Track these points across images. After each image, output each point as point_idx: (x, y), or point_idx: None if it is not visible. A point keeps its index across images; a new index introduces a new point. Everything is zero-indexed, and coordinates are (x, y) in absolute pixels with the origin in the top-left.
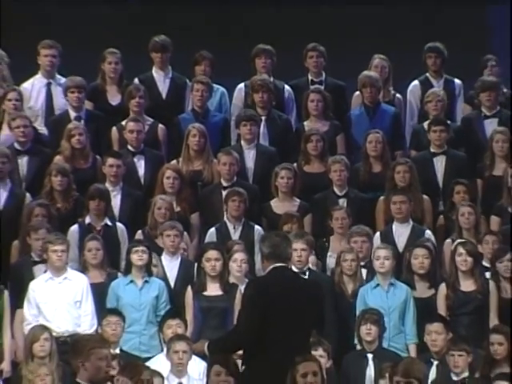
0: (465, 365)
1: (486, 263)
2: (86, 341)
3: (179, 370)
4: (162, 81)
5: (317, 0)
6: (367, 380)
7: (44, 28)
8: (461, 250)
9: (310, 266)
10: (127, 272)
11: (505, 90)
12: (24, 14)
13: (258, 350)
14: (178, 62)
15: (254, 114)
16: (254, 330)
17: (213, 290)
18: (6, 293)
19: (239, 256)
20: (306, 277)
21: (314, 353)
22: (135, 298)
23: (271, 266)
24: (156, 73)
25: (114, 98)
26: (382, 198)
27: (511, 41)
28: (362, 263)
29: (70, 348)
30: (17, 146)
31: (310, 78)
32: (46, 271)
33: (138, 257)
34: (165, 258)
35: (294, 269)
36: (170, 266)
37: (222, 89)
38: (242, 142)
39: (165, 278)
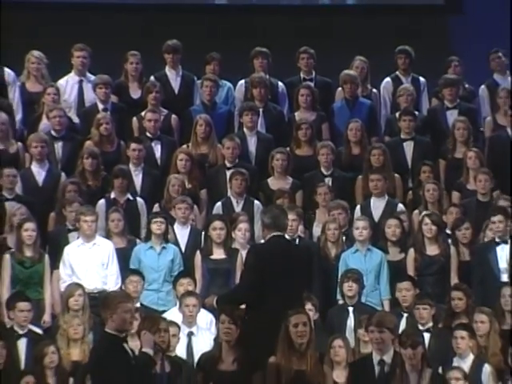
0: (429, 317)
1: (447, 231)
2: (113, 297)
3: (189, 321)
4: (174, 78)
5: (308, 10)
6: (348, 329)
7: (77, 33)
8: (427, 220)
9: (300, 233)
10: (147, 239)
11: (466, 86)
12: (60, 21)
13: (258, 304)
14: (188, 61)
15: (255, 105)
16: (253, 288)
17: (218, 254)
18: (46, 256)
19: (243, 226)
20: (297, 243)
21: None
22: (154, 261)
23: (270, 235)
24: (169, 71)
25: (135, 92)
26: (360, 176)
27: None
28: (343, 231)
29: (101, 302)
30: (53, 133)
31: (302, 76)
32: (78, 238)
33: (157, 226)
34: (176, 227)
35: (286, 236)
36: (181, 233)
37: (229, 84)
38: (245, 130)
39: (176, 244)
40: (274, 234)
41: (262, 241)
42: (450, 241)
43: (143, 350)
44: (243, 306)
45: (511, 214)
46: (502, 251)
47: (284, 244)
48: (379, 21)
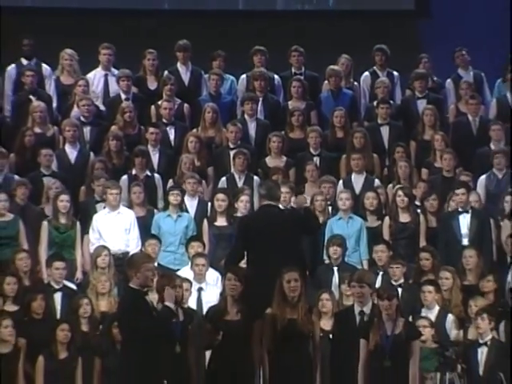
0: (401, 274)
1: (417, 202)
2: (138, 257)
3: (199, 278)
4: (184, 73)
5: (299, 14)
6: (333, 285)
7: (103, 34)
8: (400, 192)
9: (292, 204)
10: (165, 208)
11: (435, 79)
12: (90, 24)
13: (255, 261)
14: (197, 58)
15: (255, 95)
16: (239, 250)
17: (221, 221)
18: (78, 223)
19: (244, 198)
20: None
21: None
22: (171, 227)
23: (263, 204)
24: (180, 67)
25: (152, 84)
26: (344, 156)
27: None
28: (329, 202)
29: (127, 262)
30: (83, 119)
31: (293, 70)
32: (104, 207)
33: (174, 197)
34: (187, 198)
35: (281, 206)
36: (191, 204)
37: (232, 77)
38: (246, 117)
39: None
40: (266, 202)
41: None
42: (419, 210)
43: (166, 303)
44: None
45: (472, 188)
46: (463, 219)
47: (273, 211)
48: (359, 24)
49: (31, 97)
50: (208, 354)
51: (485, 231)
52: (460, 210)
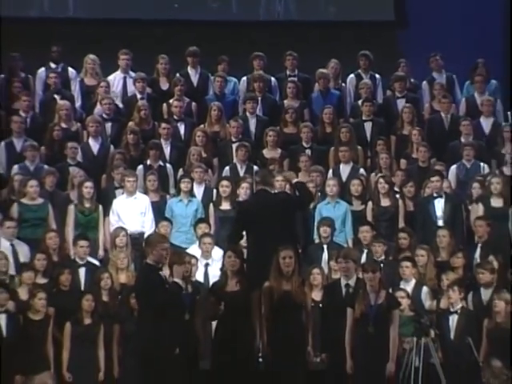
0: (382, 251)
1: (397, 189)
2: (154, 237)
3: (206, 255)
4: (193, 75)
5: (292, 24)
6: (323, 261)
7: (123, 42)
8: (381, 180)
9: (287, 190)
10: (178, 194)
11: (412, 80)
12: (109, 32)
13: (253, 240)
14: (205, 62)
15: (255, 95)
16: (239, 230)
17: (225, 205)
18: (100, 207)
19: (245, 185)
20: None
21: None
22: (183, 210)
23: (257, 189)
24: (190, 70)
25: (164, 85)
26: (332, 148)
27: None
28: (318, 189)
29: (144, 241)
30: (104, 115)
31: (287, 73)
32: (123, 193)
33: (185, 185)
34: (195, 185)
35: (276, 191)
36: (198, 190)
37: (234, 79)
38: (247, 114)
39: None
40: (261, 187)
41: None
42: (398, 196)
43: (174, 279)
44: (244, 244)
45: (446, 176)
46: (438, 203)
47: (268, 195)
48: (347, 32)
49: (56, 96)
50: (214, 323)
51: (457, 214)
52: (435, 195)
